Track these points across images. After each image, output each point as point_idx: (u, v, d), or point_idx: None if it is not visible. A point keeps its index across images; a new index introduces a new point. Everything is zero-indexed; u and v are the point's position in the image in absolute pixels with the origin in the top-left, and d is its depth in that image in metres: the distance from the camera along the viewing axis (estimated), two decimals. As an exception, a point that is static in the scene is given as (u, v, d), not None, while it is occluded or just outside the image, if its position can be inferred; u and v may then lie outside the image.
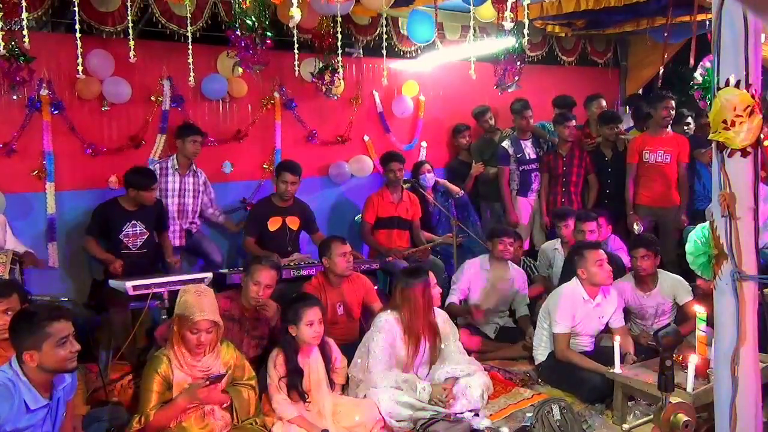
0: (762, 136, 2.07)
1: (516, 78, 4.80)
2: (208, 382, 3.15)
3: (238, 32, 4.09)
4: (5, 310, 3.03)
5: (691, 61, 2.61)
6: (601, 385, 3.80)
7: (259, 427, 3.33)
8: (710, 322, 2.89)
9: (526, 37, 4.53)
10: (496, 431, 3.52)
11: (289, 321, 3.55)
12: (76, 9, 4.05)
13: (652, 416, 2.88)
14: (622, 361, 3.78)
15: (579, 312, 4.16)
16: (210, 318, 3.20)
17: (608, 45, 7.66)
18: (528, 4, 4.36)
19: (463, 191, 6.27)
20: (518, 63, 4.73)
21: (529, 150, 6.25)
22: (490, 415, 3.75)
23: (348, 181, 6.22)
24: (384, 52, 5.17)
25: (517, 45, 4.67)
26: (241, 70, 4.80)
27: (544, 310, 4.32)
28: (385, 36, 5.42)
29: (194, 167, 5.17)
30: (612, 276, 4.23)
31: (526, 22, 4.42)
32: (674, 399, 2.90)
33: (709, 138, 2.13)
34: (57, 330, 2.57)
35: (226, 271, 4.74)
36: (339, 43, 4.63)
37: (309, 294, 3.95)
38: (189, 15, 4.41)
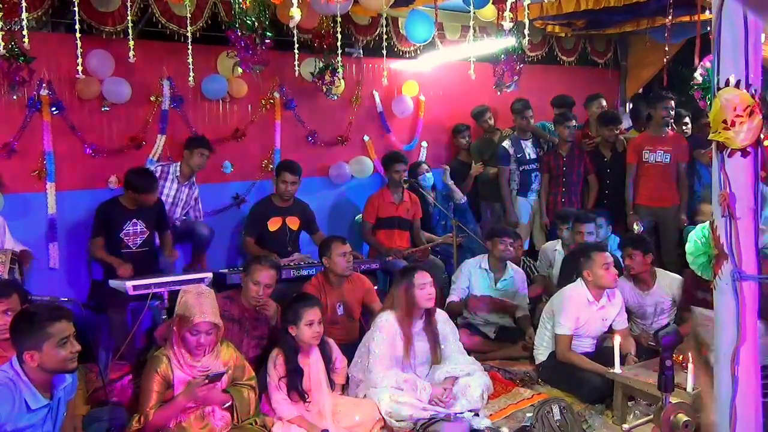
0: (762, 136, 2.07)
1: (515, 78, 4.81)
2: (207, 381, 3.16)
3: (238, 32, 4.09)
4: (5, 311, 3.03)
5: (696, 61, 2.60)
6: (601, 385, 3.81)
7: (259, 427, 3.33)
8: (710, 322, 2.89)
9: (526, 37, 4.53)
10: (496, 431, 3.53)
11: (289, 321, 3.56)
12: (76, 9, 4.04)
13: (652, 416, 2.89)
14: (623, 362, 3.78)
15: (583, 314, 4.15)
16: (210, 320, 3.20)
17: (608, 45, 7.66)
18: (528, 4, 4.35)
19: (464, 199, 6.26)
20: (518, 63, 4.73)
21: (529, 150, 6.25)
22: (490, 415, 3.75)
23: (348, 182, 6.22)
24: (384, 52, 5.17)
25: (517, 45, 4.67)
26: (241, 70, 4.80)
27: (547, 311, 4.32)
28: (385, 36, 5.42)
29: (194, 179, 5.16)
30: (617, 280, 4.23)
31: (526, 22, 4.42)
32: (674, 399, 2.91)
33: (709, 138, 2.13)
34: (57, 330, 2.57)
35: (226, 271, 4.74)
36: (339, 43, 4.63)
37: (309, 294, 3.96)
38: (189, 15, 4.40)
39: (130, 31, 4.28)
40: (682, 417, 2.72)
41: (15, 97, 4.55)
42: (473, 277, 4.99)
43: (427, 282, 3.85)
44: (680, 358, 3.54)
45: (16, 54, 4.17)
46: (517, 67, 4.77)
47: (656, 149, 5.73)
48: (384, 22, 5.66)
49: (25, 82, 4.37)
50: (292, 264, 4.88)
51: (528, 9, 4.38)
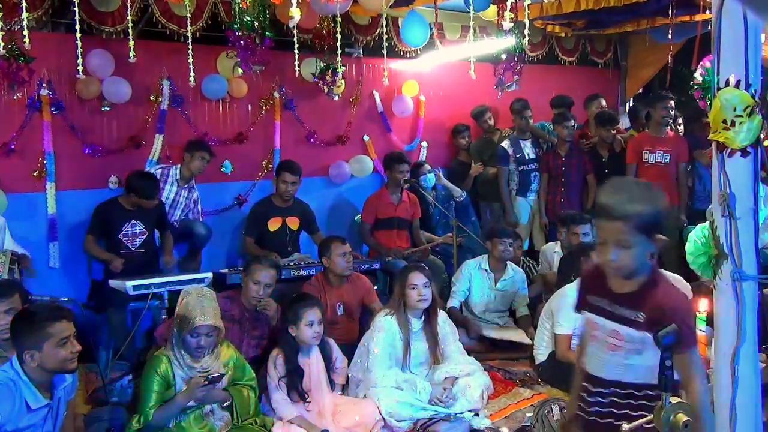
0: (762, 136, 2.07)
1: (516, 78, 4.81)
2: (206, 382, 3.16)
3: (238, 32, 4.09)
4: (7, 310, 3.03)
5: (694, 62, 2.61)
6: (601, 385, 3.80)
7: (259, 427, 3.33)
8: (710, 322, 2.89)
9: (526, 37, 4.53)
10: (496, 431, 3.53)
11: (289, 321, 3.56)
12: (76, 9, 4.04)
13: (652, 416, 2.88)
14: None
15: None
16: (211, 323, 3.20)
17: (608, 45, 7.65)
18: (528, 4, 4.36)
19: (464, 194, 6.26)
20: (518, 63, 4.73)
21: (528, 150, 6.25)
22: (490, 415, 3.75)
23: (348, 181, 6.22)
24: (384, 52, 5.17)
25: (517, 45, 4.67)
26: (241, 70, 4.80)
27: (546, 311, 4.32)
28: (385, 36, 5.42)
29: (193, 181, 5.16)
30: None
31: (526, 22, 4.42)
32: (674, 399, 2.90)
33: (709, 138, 2.13)
34: (58, 330, 2.58)
35: (226, 271, 4.75)
36: (339, 43, 4.63)
37: (309, 294, 3.96)
38: (189, 15, 4.40)
39: (130, 31, 4.28)
40: (682, 417, 2.72)
41: (15, 97, 4.56)
42: (473, 278, 4.98)
43: (419, 283, 3.84)
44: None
45: (16, 54, 4.17)
46: (518, 67, 4.77)
47: (656, 149, 5.72)
48: (384, 22, 5.65)
49: (25, 82, 4.38)
50: (292, 264, 4.88)
51: (528, 9, 4.38)
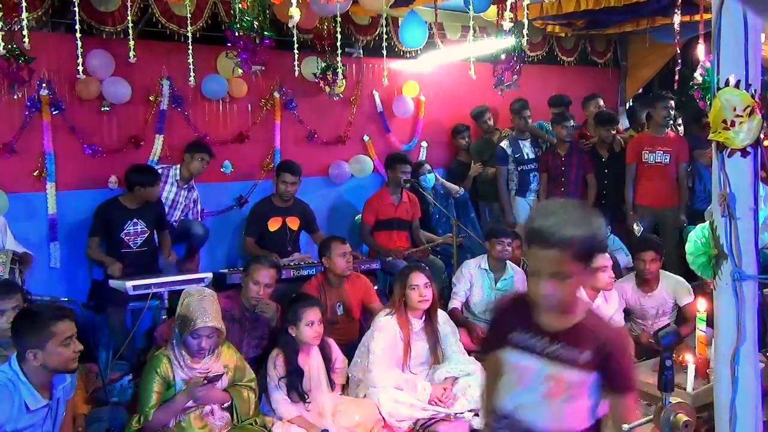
0: (762, 136, 2.07)
1: (515, 78, 4.80)
2: (206, 382, 3.16)
3: (237, 33, 4.08)
4: (14, 308, 3.04)
5: (702, 57, 2.57)
6: (601, 385, 3.80)
7: (259, 427, 3.34)
8: (710, 322, 2.89)
9: (526, 37, 4.52)
10: (496, 431, 3.52)
11: (289, 322, 3.56)
12: (76, 9, 4.04)
13: (652, 416, 2.88)
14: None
15: None
16: (213, 324, 3.20)
17: (608, 45, 7.65)
18: (528, 4, 4.35)
19: (462, 190, 6.27)
20: (518, 63, 4.72)
21: (527, 150, 6.25)
22: (490, 415, 3.75)
23: (348, 181, 6.22)
24: (384, 52, 5.17)
25: (517, 45, 4.67)
26: (241, 70, 4.80)
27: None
28: (385, 36, 5.41)
29: (192, 182, 5.16)
30: (613, 282, 4.21)
31: (526, 22, 4.42)
32: (674, 399, 2.90)
33: (709, 138, 2.13)
34: (61, 330, 2.58)
35: (226, 271, 4.75)
36: (339, 43, 4.62)
37: (308, 294, 3.96)
38: (189, 15, 4.40)
39: (130, 31, 4.28)
40: (682, 417, 2.72)
41: (15, 97, 4.56)
42: (473, 278, 4.98)
43: (420, 283, 3.85)
44: (680, 358, 3.53)
45: (16, 54, 4.17)
46: (517, 67, 4.76)
47: (656, 149, 5.73)
48: (384, 22, 5.65)
49: (25, 82, 4.37)
50: (292, 264, 4.88)
51: (528, 9, 4.38)
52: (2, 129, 4.64)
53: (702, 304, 3.36)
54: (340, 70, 4.93)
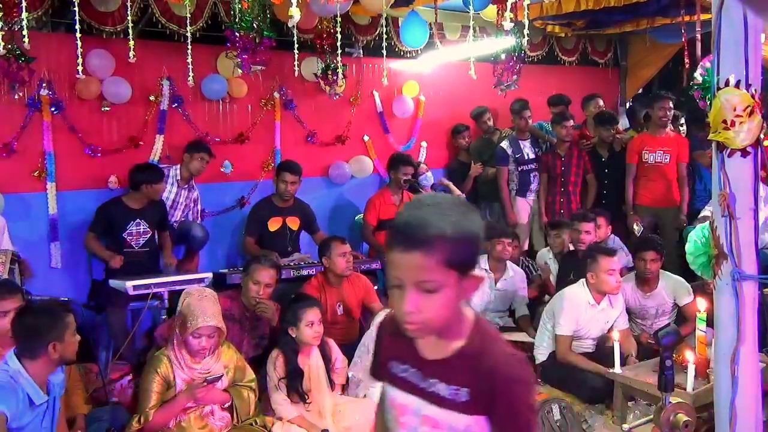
0: (762, 136, 2.07)
1: (515, 77, 4.80)
2: (205, 382, 3.16)
3: (237, 33, 4.08)
4: (17, 307, 3.05)
5: (703, 61, 2.57)
6: (602, 385, 3.80)
7: (259, 427, 3.33)
8: (710, 322, 2.89)
9: (526, 37, 4.52)
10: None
11: (289, 322, 3.55)
12: (76, 9, 4.04)
13: (652, 416, 2.89)
14: (624, 363, 3.77)
15: (583, 316, 4.14)
16: (213, 324, 3.20)
17: (608, 45, 7.65)
18: (528, 4, 4.35)
19: (463, 195, 6.26)
20: (518, 63, 4.72)
21: (527, 150, 6.26)
22: (490, 415, 3.74)
23: (348, 182, 6.22)
24: (384, 52, 5.17)
25: (517, 45, 4.67)
26: (241, 70, 4.81)
27: (548, 311, 4.31)
28: (385, 36, 5.42)
29: (193, 181, 5.17)
30: (620, 287, 4.20)
31: (526, 22, 4.42)
32: (674, 399, 2.91)
33: (709, 138, 2.13)
34: (71, 321, 2.74)
35: (226, 271, 4.75)
36: (339, 43, 4.62)
37: (307, 295, 3.95)
38: (189, 15, 4.40)
39: (130, 31, 4.28)
40: (682, 417, 2.72)
41: (15, 97, 4.56)
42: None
43: None
44: (680, 358, 3.54)
45: (16, 54, 4.17)
46: (517, 67, 4.76)
47: (656, 149, 5.73)
48: (384, 22, 5.65)
49: (25, 82, 4.38)
50: (292, 264, 4.88)
51: (528, 9, 4.38)
52: (2, 129, 4.64)
53: (702, 304, 3.36)
54: (340, 70, 4.93)
